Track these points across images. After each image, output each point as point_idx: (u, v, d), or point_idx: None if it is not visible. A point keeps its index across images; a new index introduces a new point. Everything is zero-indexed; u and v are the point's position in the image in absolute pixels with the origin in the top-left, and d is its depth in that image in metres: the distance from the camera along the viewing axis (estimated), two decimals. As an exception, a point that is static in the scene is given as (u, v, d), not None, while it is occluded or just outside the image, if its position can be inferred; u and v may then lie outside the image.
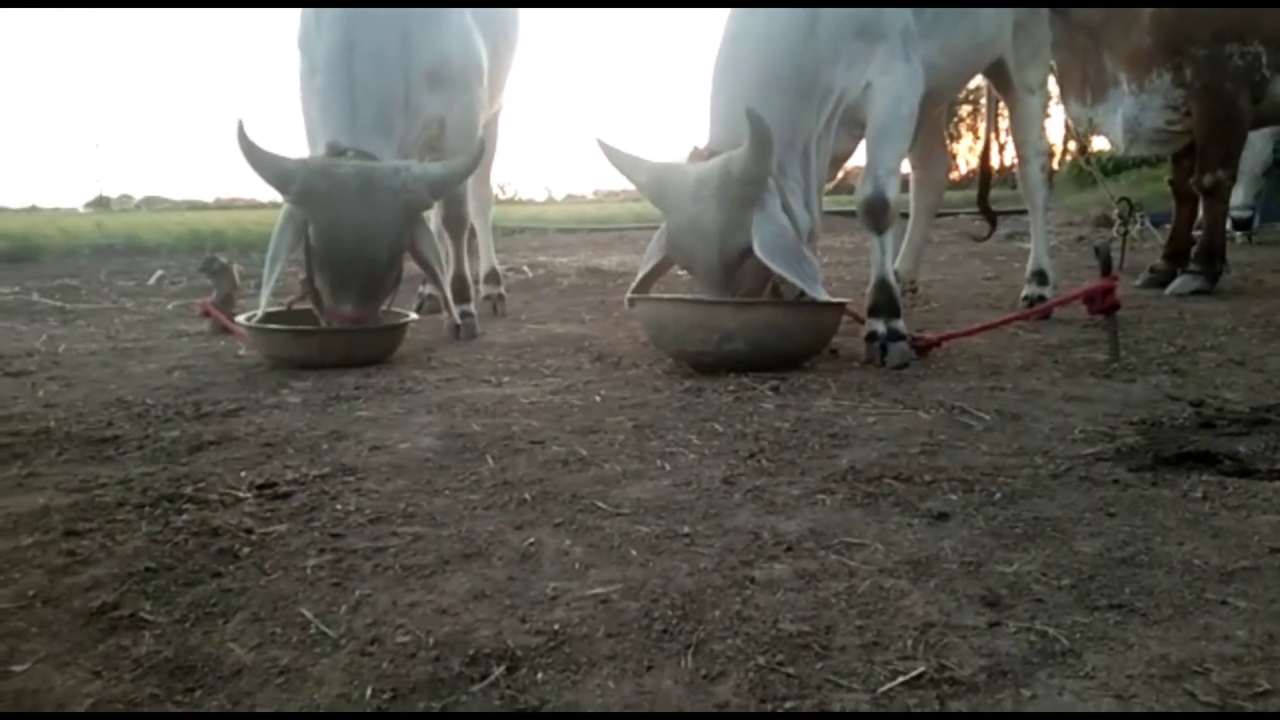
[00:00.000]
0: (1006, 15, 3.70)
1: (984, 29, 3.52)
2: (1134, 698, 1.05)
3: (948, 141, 4.86)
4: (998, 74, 4.00)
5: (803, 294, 2.87)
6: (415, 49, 3.51)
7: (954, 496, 1.73)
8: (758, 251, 2.77)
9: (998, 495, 1.72)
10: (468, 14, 3.81)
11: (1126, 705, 1.03)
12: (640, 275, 3.21)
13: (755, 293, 2.95)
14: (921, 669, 1.12)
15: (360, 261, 3.17)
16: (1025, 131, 4.07)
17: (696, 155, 2.98)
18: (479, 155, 3.36)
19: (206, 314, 3.94)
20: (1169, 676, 1.09)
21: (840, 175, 4.60)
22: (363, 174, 3.16)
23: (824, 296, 2.81)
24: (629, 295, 3.21)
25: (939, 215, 6.00)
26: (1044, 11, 4.11)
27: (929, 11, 3.15)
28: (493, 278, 4.83)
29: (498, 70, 4.23)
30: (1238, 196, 6.58)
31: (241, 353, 3.43)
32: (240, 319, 3.42)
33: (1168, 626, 1.21)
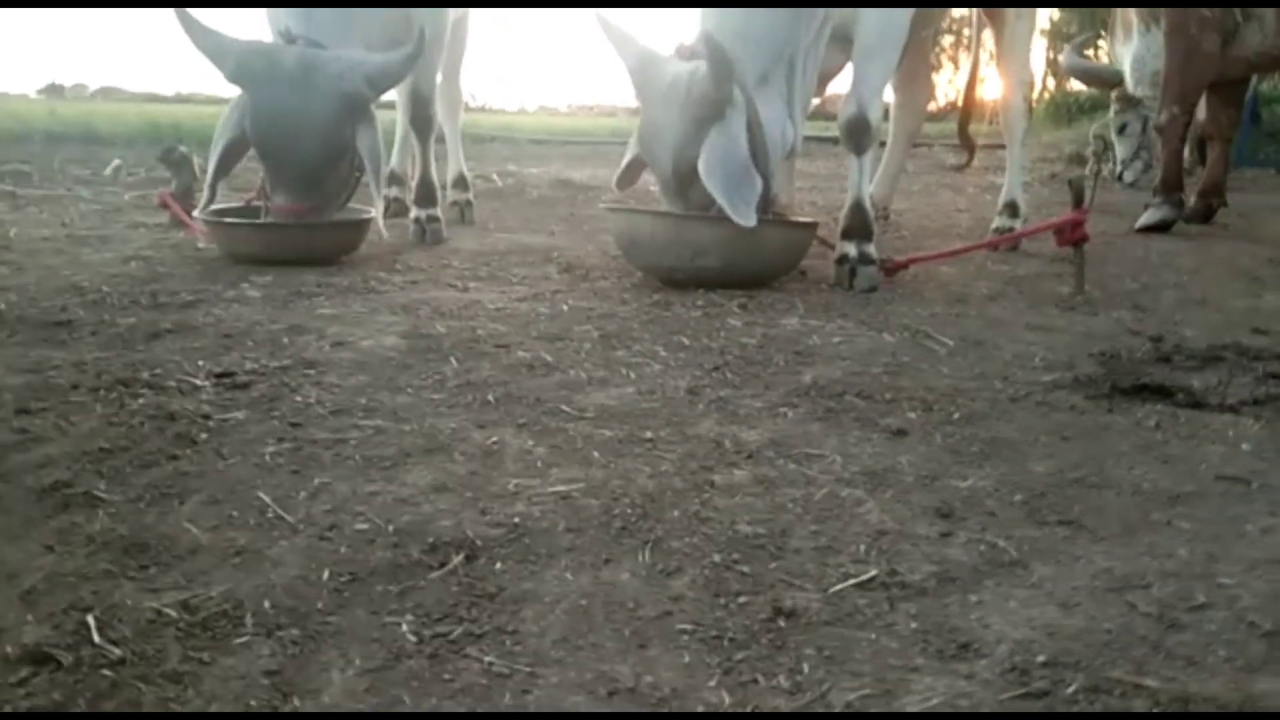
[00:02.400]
0: (999, -65, 3.63)
1: None
2: (1076, 606, 1.08)
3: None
4: (985, -2, 3.94)
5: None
6: None
7: (913, 415, 1.75)
8: (699, 168, 2.73)
9: (956, 415, 1.75)
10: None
11: (1069, 613, 1.06)
12: (623, 164, 3.19)
13: (707, 206, 2.91)
14: (873, 572, 1.14)
15: (292, 149, 3.05)
16: (1009, 58, 4.02)
17: (681, 53, 2.92)
18: (420, 49, 3.15)
19: (165, 205, 3.83)
20: (1112, 589, 1.12)
21: (818, 101, 4.53)
22: (302, 59, 3.02)
23: (750, 222, 2.76)
24: (614, 186, 3.19)
25: (915, 145, 5.97)
26: None
27: None
28: (461, 183, 4.72)
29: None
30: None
31: (200, 246, 3.35)
32: (197, 213, 3.33)
33: (1114, 543, 1.24)
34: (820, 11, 2.96)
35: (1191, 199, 5.06)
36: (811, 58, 3.04)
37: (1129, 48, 4.89)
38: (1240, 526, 1.29)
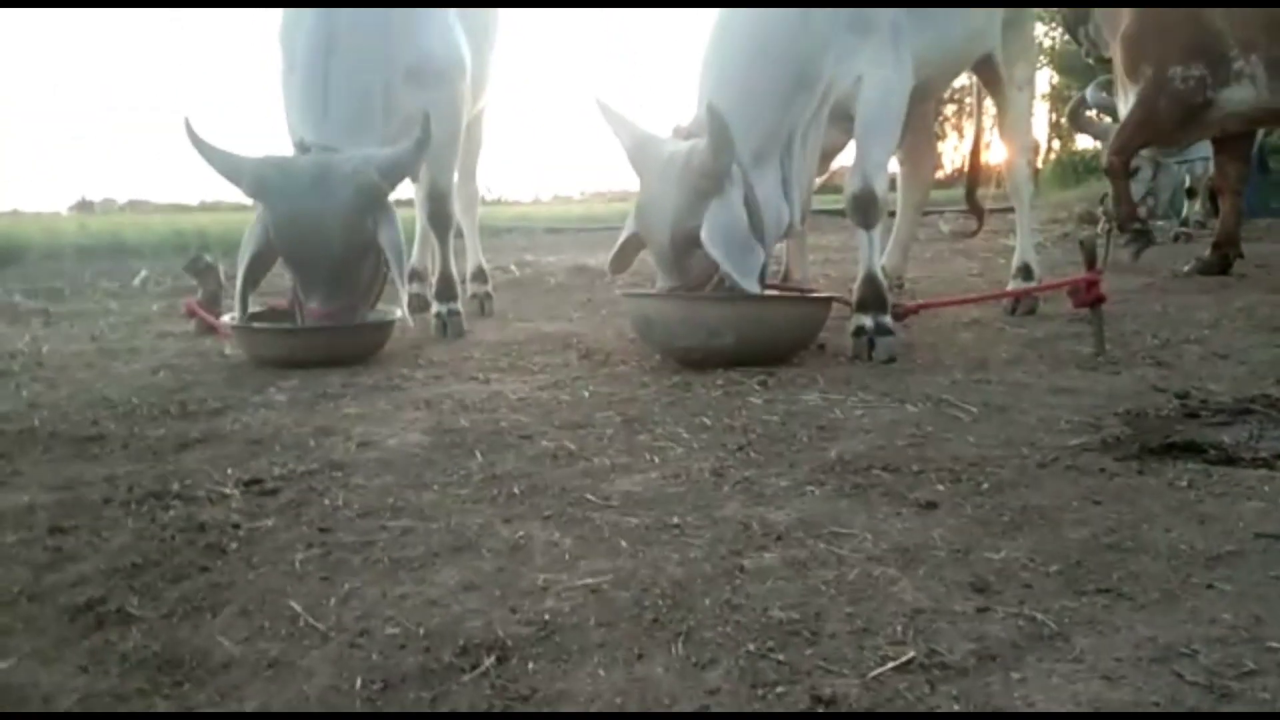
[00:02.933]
0: (996, 11, 3.71)
1: (974, 23, 3.53)
2: (1122, 679, 1.05)
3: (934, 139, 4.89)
4: (986, 70, 4.01)
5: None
6: (396, 46, 3.48)
7: (941, 487, 1.73)
8: (703, 237, 2.78)
9: (985, 485, 1.73)
10: (450, 11, 3.79)
11: (1115, 686, 1.04)
12: (618, 244, 3.24)
13: (702, 281, 2.95)
14: (911, 654, 1.12)
15: (317, 253, 3.12)
16: (1013, 128, 4.08)
17: (678, 134, 3.00)
18: (427, 137, 3.22)
19: (192, 314, 3.92)
20: (1156, 659, 1.09)
21: (826, 175, 4.61)
22: (317, 165, 3.11)
23: (755, 290, 2.82)
24: (608, 269, 3.24)
25: (925, 213, 6.03)
26: (1032, 9, 4.17)
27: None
28: (480, 276, 4.81)
29: (480, 67, 4.22)
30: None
31: (227, 352, 3.41)
32: (225, 318, 3.40)
33: (1154, 610, 1.22)
34: (818, 90, 3.03)
35: (1206, 252, 5.12)
36: (812, 136, 3.10)
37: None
38: (1284, 586, 1.27)
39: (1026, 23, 4.09)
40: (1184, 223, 8.21)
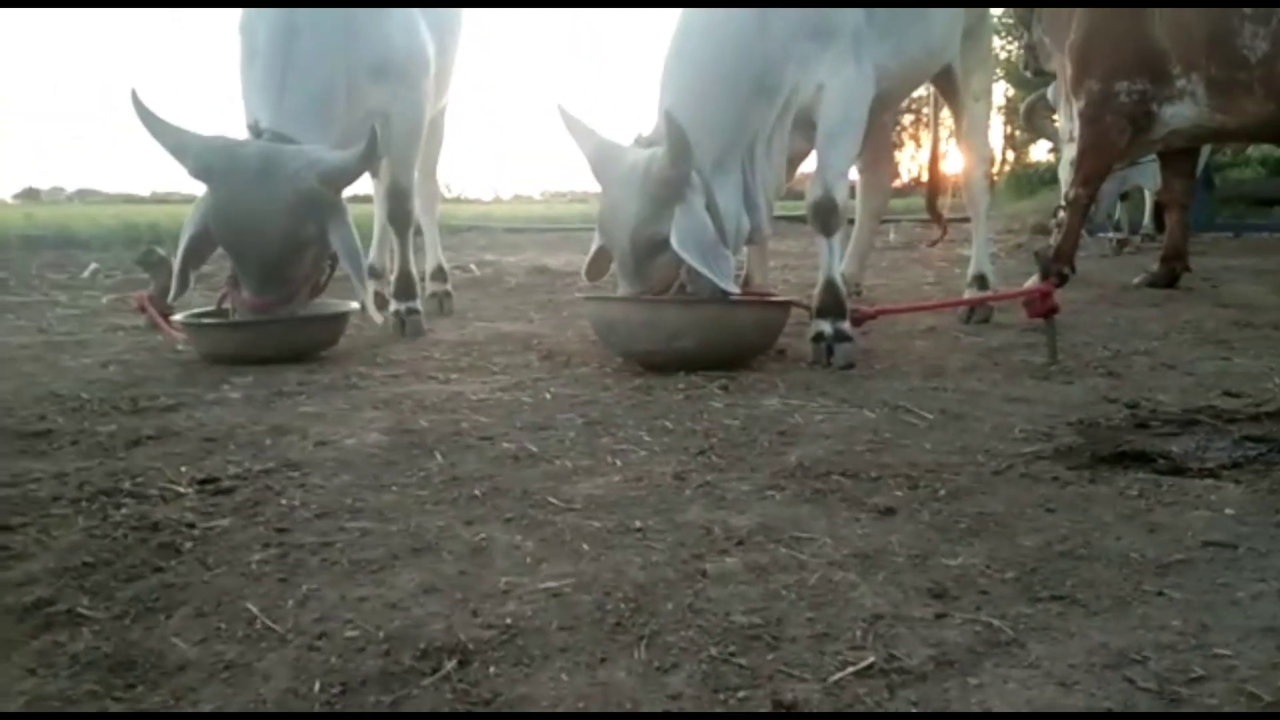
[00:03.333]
0: (957, 22, 3.76)
1: (935, 34, 3.58)
2: (1076, 685, 1.07)
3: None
4: (944, 81, 4.07)
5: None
6: (359, 41, 3.44)
7: (900, 492, 1.75)
8: (673, 242, 2.79)
9: (942, 491, 1.76)
10: (414, 9, 3.76)
11: (1069, 692, 1.06)
12: (590, 252, 3.25)
13: (663, 287, 2.97)
14: (871, 659, 1.14)
15: (252, 242, 3.07)
16: (970, 138, 4.14)
17: (639, 143, 3.01)
18: (373, 149, 3.12)
19: (143, 308, 3.84)
20: (1109, 665, 1.12)
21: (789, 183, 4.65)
22: (264, 155, 3.04)
23: (735, 292, 2.85)
24: (583, 275, 3.26)
25: (882, 221, 6.10)
26: (990, 20, 4.23)
27: (881, 14, 3.19)
28: (439, 275, 4.78)
29: (444, 64, 4.19)
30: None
31: (180, 347, 3.35)
32: (176, 318, 3.34)
33: (1107, 617, 1.24)
34: (780, 97, 3.06)
35: (1155, 266, 5.23)
36: (776, 143, 3.12)
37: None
38: (1231, 594, 1.30)
39: (985, 34, 4.16)
40: (1133, 231, 8.45)
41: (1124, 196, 8.15)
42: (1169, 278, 5.18)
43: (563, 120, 3.20)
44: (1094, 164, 4.70)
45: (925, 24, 3.48)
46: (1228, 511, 1.62)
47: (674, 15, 3.18)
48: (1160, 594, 1.31)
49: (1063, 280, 4.96)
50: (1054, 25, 5.14)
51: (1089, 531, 1.54)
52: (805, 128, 3.20)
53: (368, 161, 3.17)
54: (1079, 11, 4.51)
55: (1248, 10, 3.93)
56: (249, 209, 3.02)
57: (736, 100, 2.97)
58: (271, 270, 3.12)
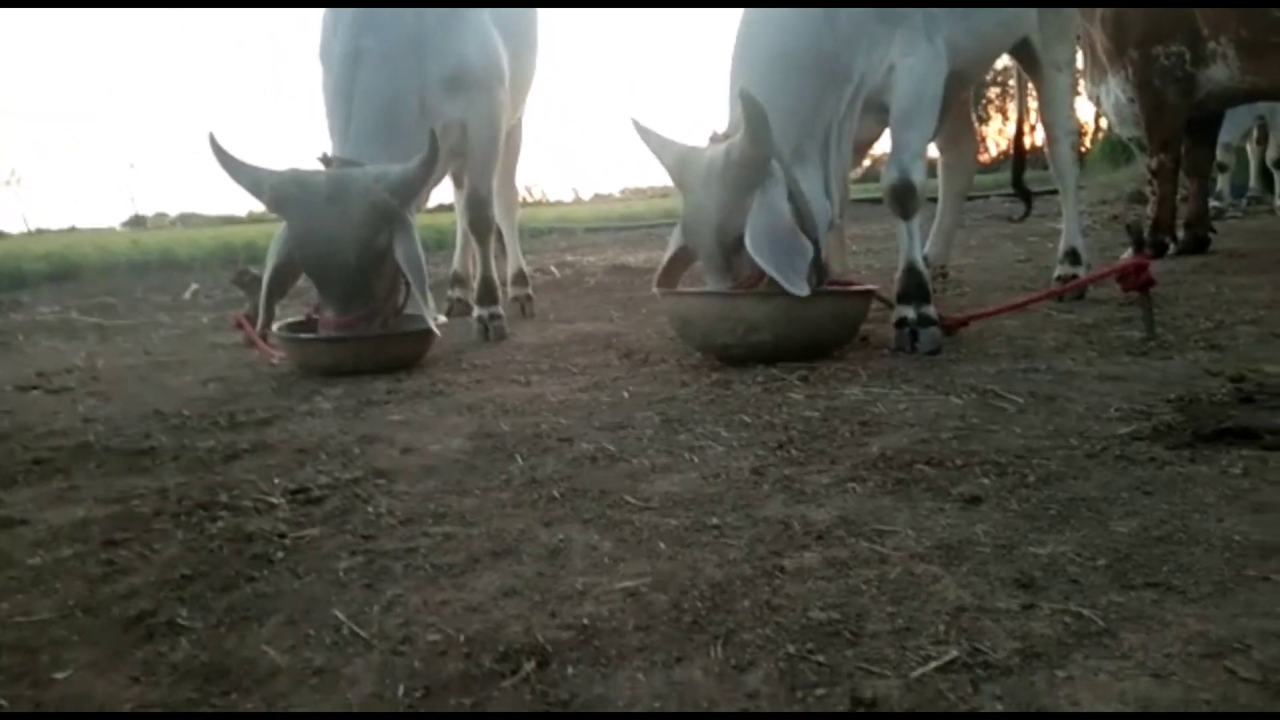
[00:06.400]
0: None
1: (1009, 9, 3.47)
2: (1172, 676, 1.03)
3: (976, 124, 4.80)
4: (1024, 53, 3.94)
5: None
6: (431, 54, 3.51)
7: (986, 480, 1.71)
8: (746, 242, 2.74)
9: (1031, 478, 1.70)
10: (486, 15, 3.80)
11: (1164, 684, 1.01)
12: (664, 261, 3.21)
13: (754, 280, 2.91)
14: (954, 653, 1.11)
15: (332, 264, 3.18)
16: (1054, 110, 4.00)
17: (715, 139, 2.98)
18: (434, 153, 3.21)
19: (239, 326, 3.99)
20: (1208, 654, 1.06)
21: (867, 163, 4.57)
22: (334, 180, 3.17)
23: (802, 291, 2.71)
24: (654, 288, 3.22)
25: (969, 199, 5.94)
26: None
27: None
28: (520, 279, 4.84)
29: (519, 72, 4.23)
30: None
31: (274, 363, 3.47)
32: (274, 326, 3.46)
33: (1207, 604, 1.18)
34: (851, 81, 3.00)
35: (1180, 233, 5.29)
36: (847, 128, 3.06)
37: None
38: (1344, 577, 1.23)
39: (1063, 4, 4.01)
40: (1237, 195, 8.19)
41: (1222, 167, 7.90)
42: (1196, 243, 5.26)
43: (639, 134, 3.20)
44: (1162, 128, 4.77)
45: None
46: (1342, 488, 1.53)
47: (738, 12, 3.15)
48: (1266, 579, 1.24)
49: (1161, 251, 4.83)
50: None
51: (1188, 514, 1.47)
52: (877, 110, 3.14)
53: (429, 168, 3.26)
54: None
55: None
56: (325, 230, 3.15)
57: (809, 88, 2.92)
58: (353, 287, 3.22)
